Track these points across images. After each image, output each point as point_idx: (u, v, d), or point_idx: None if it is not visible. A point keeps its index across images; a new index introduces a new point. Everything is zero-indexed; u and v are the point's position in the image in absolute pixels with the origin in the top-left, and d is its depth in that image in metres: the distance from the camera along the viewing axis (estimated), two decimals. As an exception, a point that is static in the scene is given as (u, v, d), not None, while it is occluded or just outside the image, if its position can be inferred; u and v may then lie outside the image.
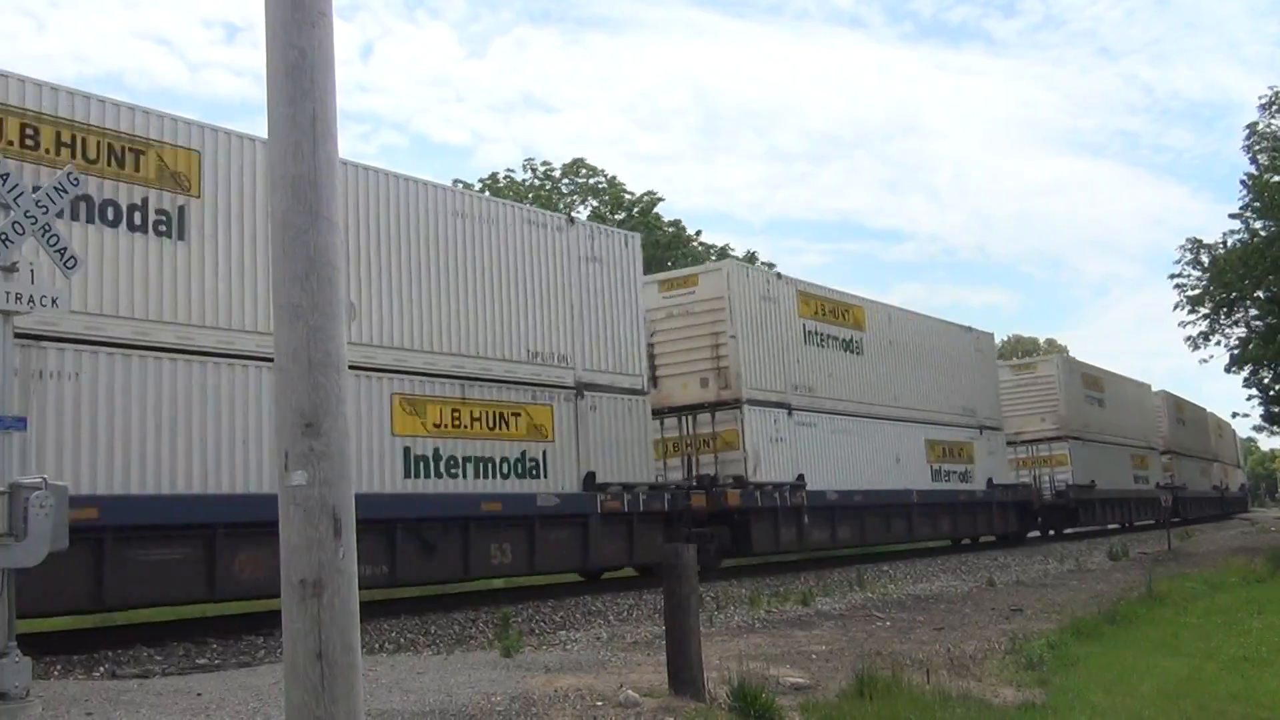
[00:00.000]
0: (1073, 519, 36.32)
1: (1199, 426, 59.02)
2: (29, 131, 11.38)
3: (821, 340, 23.79)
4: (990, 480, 29.86)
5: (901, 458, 25.71)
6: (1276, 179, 28.54)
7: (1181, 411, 55.21)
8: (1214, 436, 62.73)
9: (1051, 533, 36.53)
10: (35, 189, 7.74)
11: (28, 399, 10.68)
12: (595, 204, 40.90)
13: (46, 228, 7.64)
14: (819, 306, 24.08)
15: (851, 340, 24.88)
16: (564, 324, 17.32)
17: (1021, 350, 78.80)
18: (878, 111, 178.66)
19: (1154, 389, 50.71)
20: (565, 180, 41.04)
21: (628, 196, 40.91)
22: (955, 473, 28.24)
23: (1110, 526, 40.58)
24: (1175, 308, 32.82)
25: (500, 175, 40.42)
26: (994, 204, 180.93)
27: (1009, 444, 35.03)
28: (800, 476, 21.72)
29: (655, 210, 40.88)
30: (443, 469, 14.99)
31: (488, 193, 38.19)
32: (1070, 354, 67.35)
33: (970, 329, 31.69)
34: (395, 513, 14.14)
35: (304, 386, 4.00)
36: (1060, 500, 34.95)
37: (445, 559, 14.91)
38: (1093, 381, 40.66)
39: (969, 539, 31.01)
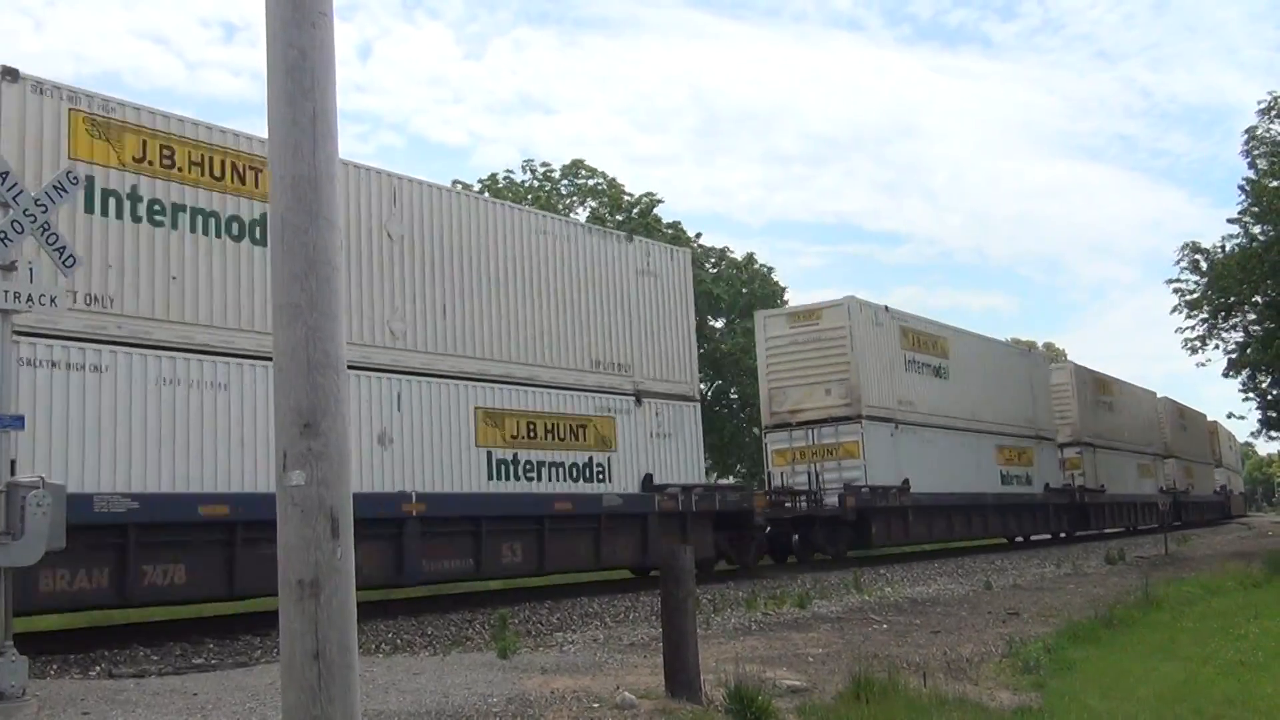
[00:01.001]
0: (863, 535, 24.86)
1: (1138, 413, 46.77)
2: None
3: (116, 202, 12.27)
4: (649, 479, 18.71)
5: (395, 437, 14.74)
6: (1275, 184, 28.55)
7: (1104, 392, 42.72)
8: (1169, 427, 51.22)
9: (824, 558, 24.69)
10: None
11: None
12: (594, 205, 40.90)
13: (45, 226, 7.65)
14: (116, 136, 12.36)
15: (231, 218, 13.33)
16: None
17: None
18: (876, 114, 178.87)
19: (1059, 362, 40.54)
20: (564, 181, 41.03)
21: (627, 198, 40.90)
22: (551, 467, 17.06)
23: (956, 543, 30.45)
24: (1173, 311, 32.86)
25: (500, 176, 40.39)
26: (992, 207, 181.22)
27: (782, 427, 26.09)
28: None
29: (654, 212, 40.87)
30: None
31: (487, 194, 38.13)
32: (1070, 358, 64.18)
33: (620, 233, 20.35)
34: None
35: (302, 386, 4.00)
36: (835, 510, 23.99)
37: None
38: (922, 341, 29.02)
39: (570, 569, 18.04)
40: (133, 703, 7.63)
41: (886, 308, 27.94)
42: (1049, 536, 35.89)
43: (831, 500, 24.23)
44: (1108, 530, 40.07)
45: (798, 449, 25.82)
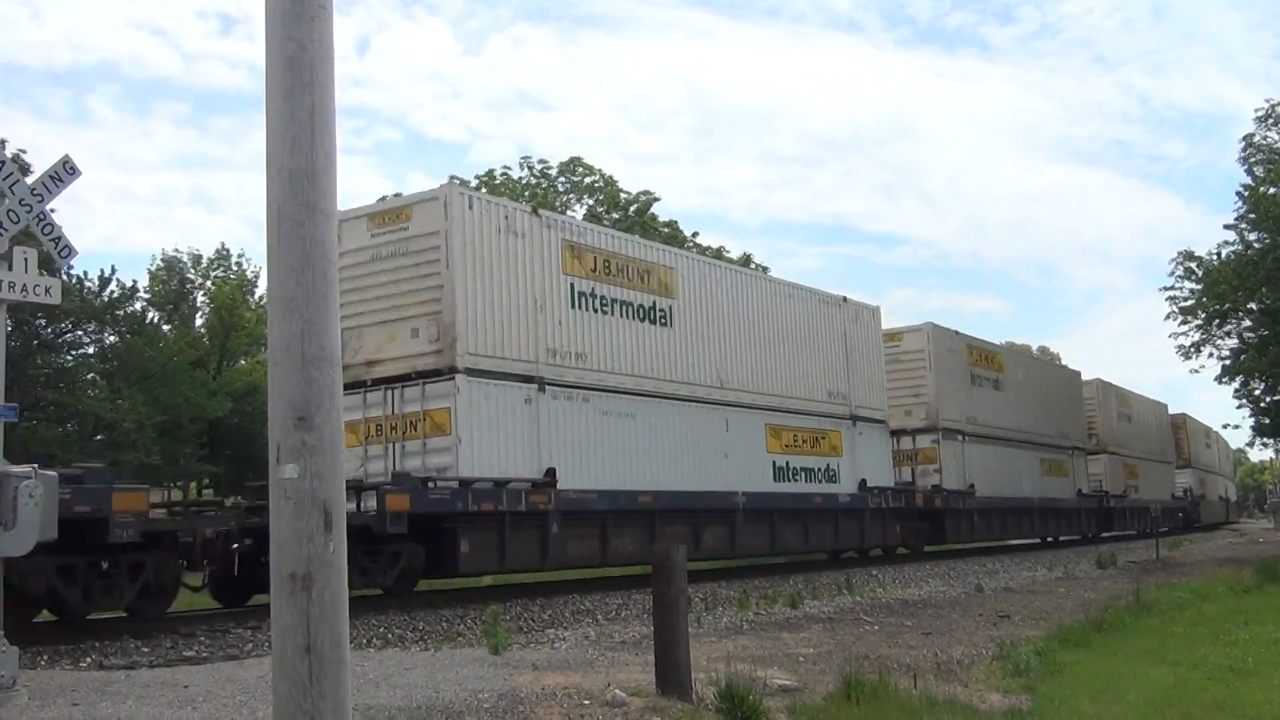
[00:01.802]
0: (446, 556, 15.49)
1: (1047, 396, 36.97)
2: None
3: None
4: None
5: None
6: (1272, 191, 28.64)
7: (986, 366, 32.70)
8: (1103, 417, 42.19)
9: (372, 591, 14.78)
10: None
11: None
12: (591, 202, 40.92)
13: (42, 216, 7.64)
14: None
15: None
16: None
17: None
18: (873, 116, 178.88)
19: (919, 325, 30.16)
20: (561, 179, 41.06)
21: (624, 196, 40.92)
22: None
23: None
24: (1167, 318, 32.95)
25: (497, 172, 40.41)
26: (988, 210, 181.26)
27: (355, 386, 16.25)
28: None
29: (651, 211, 40.88)
30: None
31: (484, 190, 38.15)
32: (1065, 362, 57.62)
33: None
34: None
35: (297, 380, 4.00)
36: (365, 518, 14.00)
37: None
38: (615, 267, 19.04)
39: None
40: (123, 694, 7.62)
41: (536, 210, 18.67)
42: (881, 549, 27.31)
43: (367, 504, 14.65)
44: (972, 545, 31.23)
45: (373, 420, 16.38)
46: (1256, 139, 29.99)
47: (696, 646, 9.19)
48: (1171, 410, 54.93)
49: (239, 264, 45.89)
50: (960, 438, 30.17)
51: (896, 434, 28.31)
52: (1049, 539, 36.86)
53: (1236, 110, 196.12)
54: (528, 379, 17.10)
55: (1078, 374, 41.95)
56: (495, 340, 16.67)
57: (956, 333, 31.24)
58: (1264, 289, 28.78)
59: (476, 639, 11.71)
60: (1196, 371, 34.09)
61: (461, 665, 9.22)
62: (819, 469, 23.76)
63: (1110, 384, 44.81)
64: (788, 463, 22.76)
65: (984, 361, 32.78)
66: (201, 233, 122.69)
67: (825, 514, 23.73)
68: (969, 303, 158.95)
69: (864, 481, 25.00)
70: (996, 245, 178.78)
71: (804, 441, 23.47)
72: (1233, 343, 32.40)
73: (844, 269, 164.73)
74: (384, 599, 15.01)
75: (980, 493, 30.15)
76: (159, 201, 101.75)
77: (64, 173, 7.91)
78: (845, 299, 26.17)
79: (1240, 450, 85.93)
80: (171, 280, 42.88)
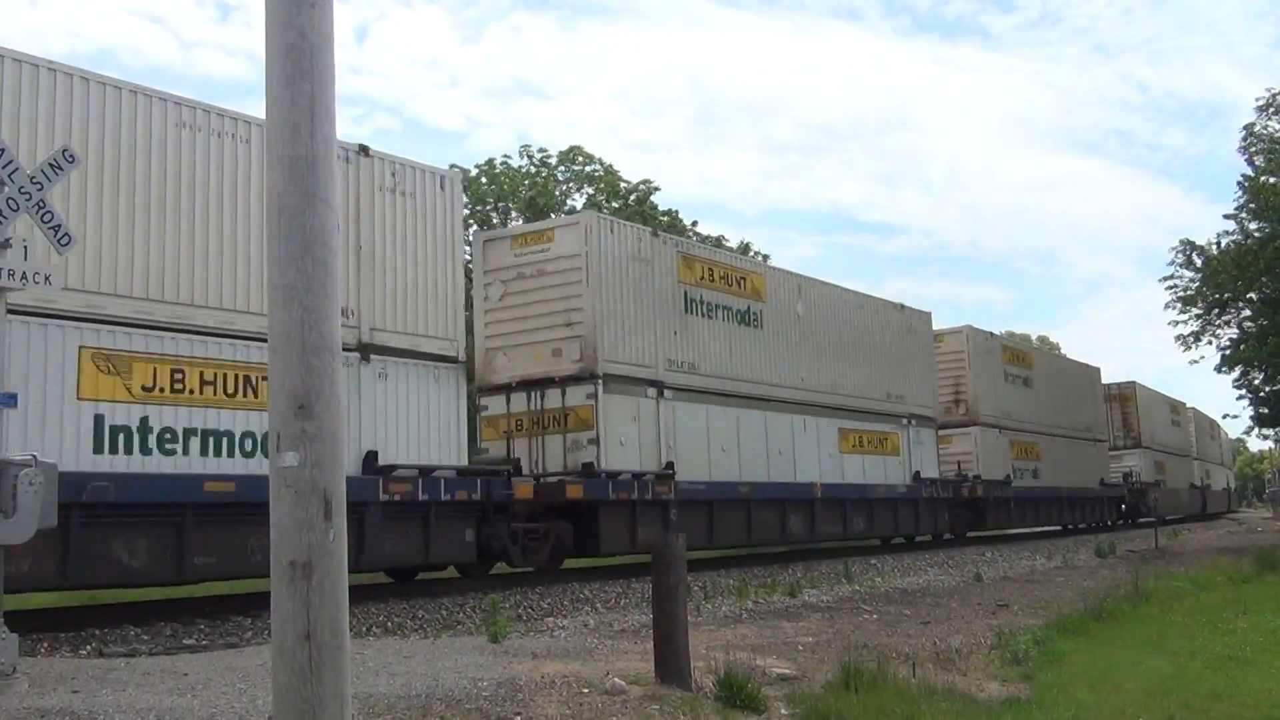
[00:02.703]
0: None
1: (872, 338, 26.14)
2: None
3: None
4: None
5: None
6: (1272, 181, 28.61)
7: (733, 290, 21.56)
8: (974, 378, 31.20)
9: None
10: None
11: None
12: (591, 191, 40.86)
13: (41, 204, 7.63)
14: None
15: None
16: None
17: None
18: (872, 105, 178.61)
19: (575, 218, 20.95)
20: (561, 168, 40.97)
21: (624, 185, 40.83)
22: None
23: None
24: (1166, 307, 32.92)
25: (497, 161, 40.31)
26: (988, 200, 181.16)
27: None
28: None
29: (651, 199, 40.81)
30: None
31: (484, 180, 38.07)
32: (1064, 352, 56.48)
33: None
34: None
35: (297, 368, 3.99)
36: None
37: None
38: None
39: None
40: (123, 682, 7.62)
41: None
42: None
43: None
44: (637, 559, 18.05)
45: None
46: (1257, 128, 29.98)
47: (695, 635, 9.21)
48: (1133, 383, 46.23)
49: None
50: (653, 393, 19.20)
51: (537, 386, 18.40)
52: (891, 540, 27.87)
53: (1236, 99, 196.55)
54: None
55: (928, 315, 29.44)
56: None
57: (655, 233, 20.94)
58: (1264, 278, 28.78)
59: (476, 627, 11.71)
60: (1196, 362, 33.86)
61: (461, 654, 9.23)
62: (251, 436, 12.83)
63: (992, 335, 33.89)
64: (145, 419, 11.89)
65: (719, 282, 21.37)
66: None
67: (235, 511, 12.29)
68: (969, 292, 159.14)
69: (373, 456, 14.29)
70: (996, 234, 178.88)
71: (205, 384, 12.52)
72: (1232, 332, 32.39)
73: (843, 258, 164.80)
74: (384, 588, 15.04)
75: (691, 476, 19.47)
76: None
77: (63, 161, 7.89)
78: (363, 149, 14.88)
79: (1239, 440, 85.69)
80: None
